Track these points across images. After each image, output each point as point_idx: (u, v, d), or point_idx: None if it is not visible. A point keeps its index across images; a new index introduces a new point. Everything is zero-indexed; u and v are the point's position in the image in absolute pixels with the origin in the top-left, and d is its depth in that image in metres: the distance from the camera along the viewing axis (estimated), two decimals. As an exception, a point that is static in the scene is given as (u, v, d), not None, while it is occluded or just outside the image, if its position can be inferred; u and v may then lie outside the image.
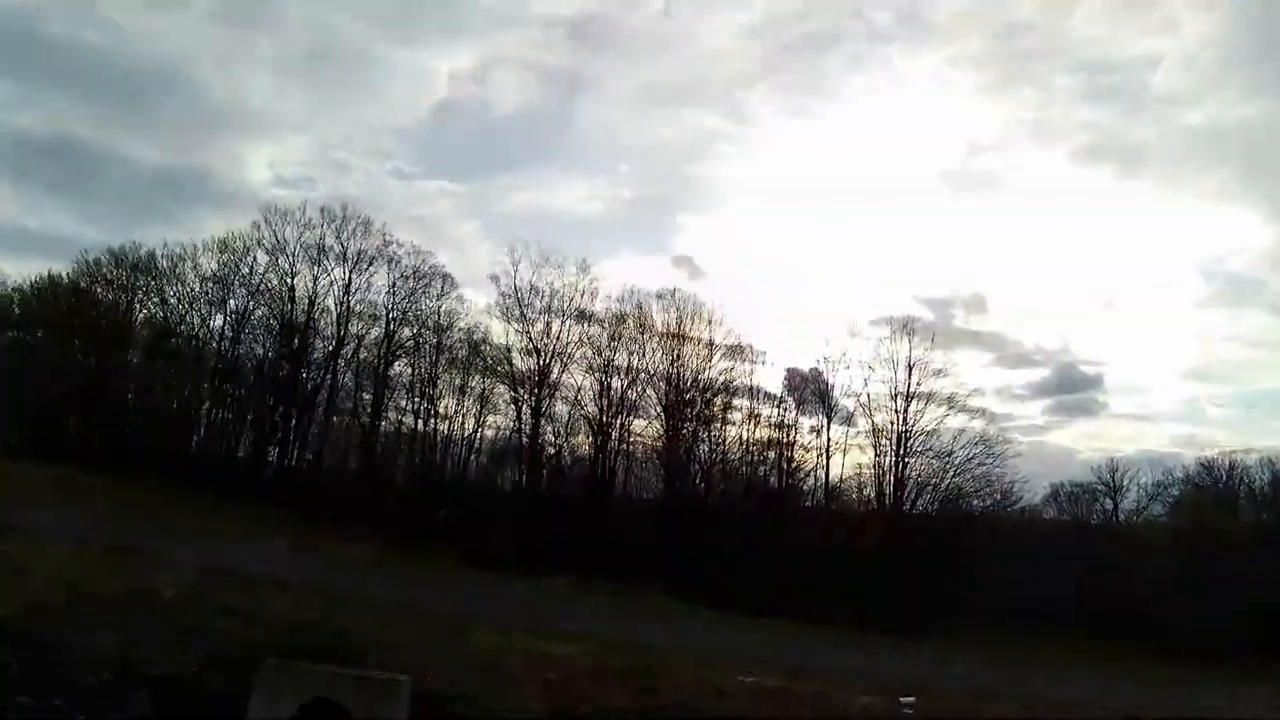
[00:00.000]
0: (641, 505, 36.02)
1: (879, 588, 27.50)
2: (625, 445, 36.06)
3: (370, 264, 36.56)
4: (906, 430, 33.84)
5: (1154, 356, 75.09)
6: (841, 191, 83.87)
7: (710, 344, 35.66)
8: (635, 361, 35.67)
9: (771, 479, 36.23)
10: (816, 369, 35.98)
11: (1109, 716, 12.31)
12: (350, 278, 36.44)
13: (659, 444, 35.74)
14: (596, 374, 35.70)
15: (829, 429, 35.61)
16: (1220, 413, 62.94)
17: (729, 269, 71.99)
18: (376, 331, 36.97)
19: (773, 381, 36.94)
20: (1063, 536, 36.43)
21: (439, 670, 7.18)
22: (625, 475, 36.54)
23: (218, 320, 37.92)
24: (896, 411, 34.08)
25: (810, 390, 36.02)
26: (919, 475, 34.12)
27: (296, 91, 78.61)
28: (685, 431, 35.49)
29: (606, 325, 36.12)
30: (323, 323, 37.04)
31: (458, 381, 36.80)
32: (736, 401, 36.05)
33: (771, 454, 35.93)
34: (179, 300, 38.12)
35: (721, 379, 35.74)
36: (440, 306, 37.00)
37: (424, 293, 36.99)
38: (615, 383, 35.66)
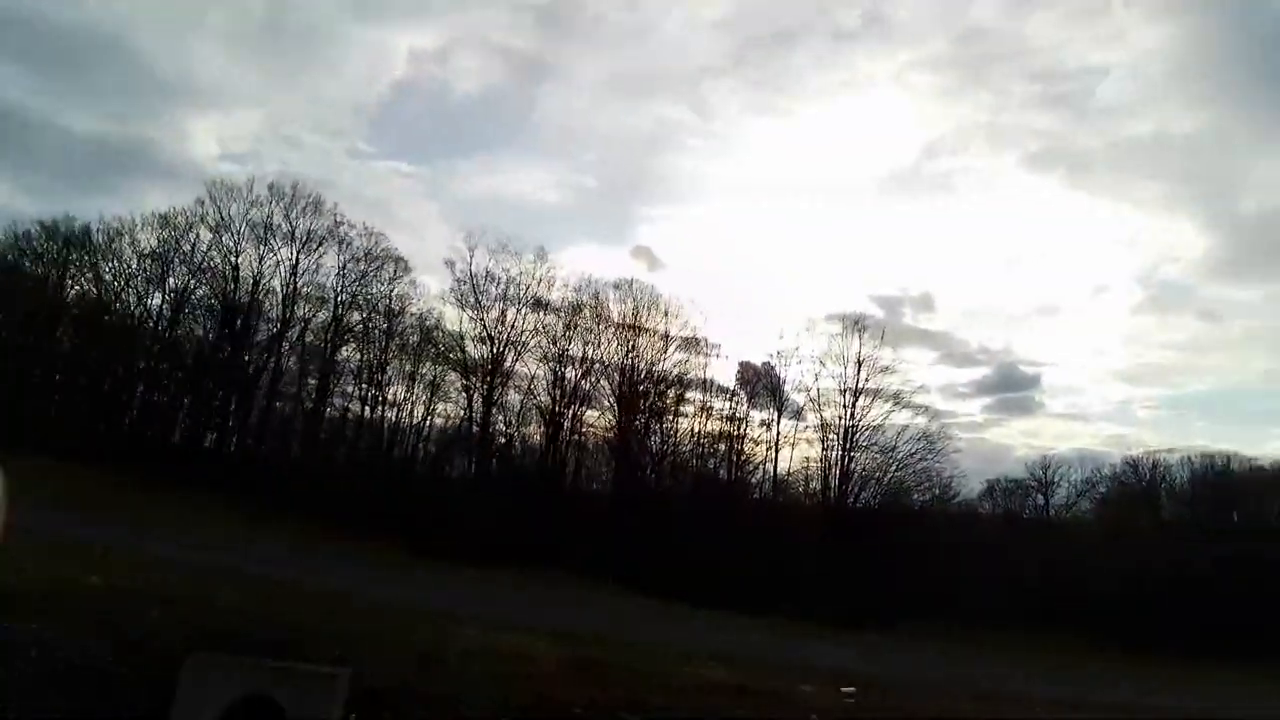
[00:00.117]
0: (593, 496, 36.07)
1: (822, 580, 28.11)
2: (577, 436, 36.11)
3: (320, 244, 35.70)
4: (854, 425, 34.75)
5: (1090, 359, 78.66)
6: (801, 188, 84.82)
7: (666, 336, 36.00)
8: (590, 352, 35.80)
9: (722, 471, 36.70)
10: (769, 363, 36.64)
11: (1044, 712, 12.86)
12: (298, 258, 35.54)
13: (611, 435, 35.82)
14: (550, 363, 35.68)
15: (779, 423, 36.33)
16: (1149, 414, 65.93)
17: (688, 262, 72.48)
18: (324, 315, 36.17)
19: (726, 374, 37.50)
20: (996, 530, 37.83)
21: (381, 663, 7.04)
22: (576, 466, 36.56)
23: (156, 299, 36.58)
24: (845, 406, 34.99)
25: (762, 384, 36.65)
26: (863, 469, 35.17)
27: (248, 64, 75.41)
28: (638, 423, 35.64)
29: (562, 314, 36.14)
30: (268, 304, 36.07)
31: (408, 368, 36.24)
32: (690, 394, 36.47)
33: (722, 446, 36.43)
34: (114, 277, 36.61)
35: (675, 371, 36.14)
36: (392, 291, 36.46)
37: (375, 276, 36.35)
38: (569, 372, 35.71)
